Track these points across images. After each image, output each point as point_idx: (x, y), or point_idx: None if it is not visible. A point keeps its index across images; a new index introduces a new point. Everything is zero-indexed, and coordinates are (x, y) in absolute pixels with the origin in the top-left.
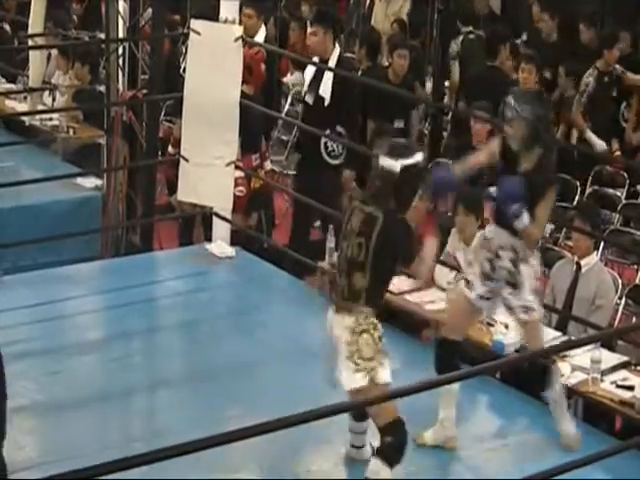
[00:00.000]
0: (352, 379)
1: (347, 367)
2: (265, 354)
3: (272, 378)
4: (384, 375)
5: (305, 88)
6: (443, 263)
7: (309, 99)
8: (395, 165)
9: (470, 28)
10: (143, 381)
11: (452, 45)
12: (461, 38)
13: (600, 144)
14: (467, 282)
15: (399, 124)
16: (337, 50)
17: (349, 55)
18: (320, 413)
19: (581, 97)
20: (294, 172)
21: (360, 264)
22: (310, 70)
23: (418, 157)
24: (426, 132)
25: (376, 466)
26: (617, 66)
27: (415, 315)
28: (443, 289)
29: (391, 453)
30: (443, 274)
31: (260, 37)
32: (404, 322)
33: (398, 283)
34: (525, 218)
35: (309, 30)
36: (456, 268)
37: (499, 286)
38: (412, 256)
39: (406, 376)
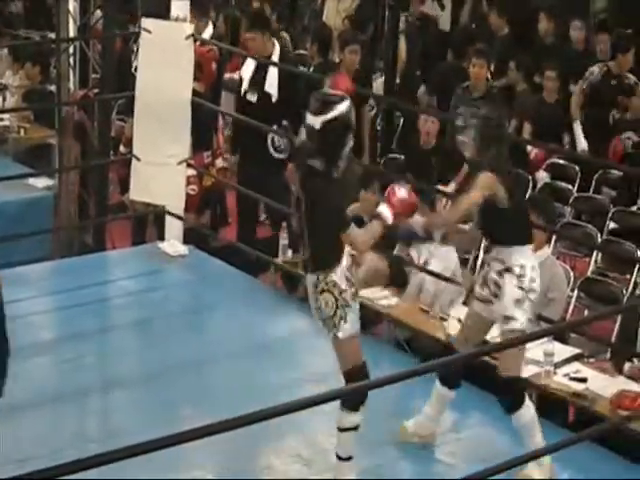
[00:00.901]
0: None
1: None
2: (219, 352)
3: (226, 376)
4: (347, 329)
5: (245, 86)
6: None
7: (251, 97)
8: (316, 121)
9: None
10: (97, 381)
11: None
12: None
13: (582, 143)
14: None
15: None
16: (277, 47)
17: (301, 51)
18: (276, 410)
19: (583, 86)
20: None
21: (306, 225)
22: (248, 68)
23: (340, 109)
24: (379, 128)
25: (341, 415)
26: (631, 76)
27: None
28: None
29: (352, 399)
30: None
31: (206, 35)
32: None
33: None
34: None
35: (247, 35)
36: (410, 263)
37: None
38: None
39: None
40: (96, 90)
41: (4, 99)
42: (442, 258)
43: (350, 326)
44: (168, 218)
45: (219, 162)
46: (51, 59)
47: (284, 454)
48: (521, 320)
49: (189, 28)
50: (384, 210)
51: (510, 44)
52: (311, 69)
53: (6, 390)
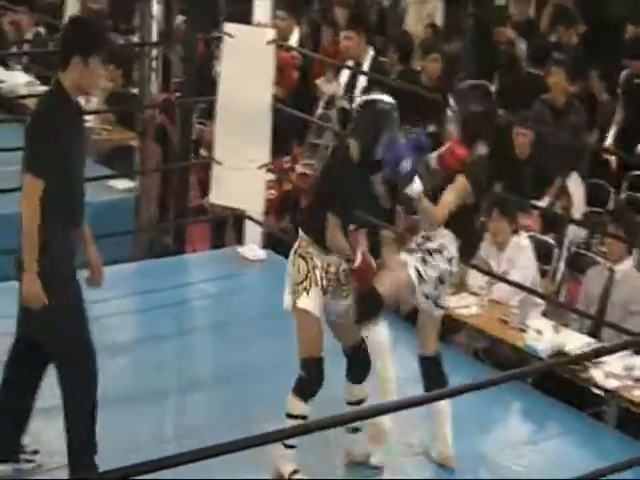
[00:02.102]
0: (285, 299)
1: (286, 286)
2: (295, 357)
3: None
4: (306, 302)
5: (340, 92)
6: (476, 267)
7: (344, 103)
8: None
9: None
10: (174, 383)
11: None
12: None
13: None
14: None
15: (432, 128)
16: (370, 54)
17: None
18: (351, 416)
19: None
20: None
21: (310, 192)
22: (345, 75)
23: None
24: None
25: (289, 400)
26: None
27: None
28: (475, 293)
29: (301, 387)
30: (475, 278)
31: (293, 40)
32: None
33: None
34: (417, 185)
35: (343, 34)
36: (488, 273)
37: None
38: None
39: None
40: (178, 94)
41: (87, 101)
42: (522, 268)
43: (310, 302)
44: (247, 222)
45: (299, 167)
46: (134, 62)
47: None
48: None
49: (271, 33)
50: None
51: (586, 53)
52: (392, 77)
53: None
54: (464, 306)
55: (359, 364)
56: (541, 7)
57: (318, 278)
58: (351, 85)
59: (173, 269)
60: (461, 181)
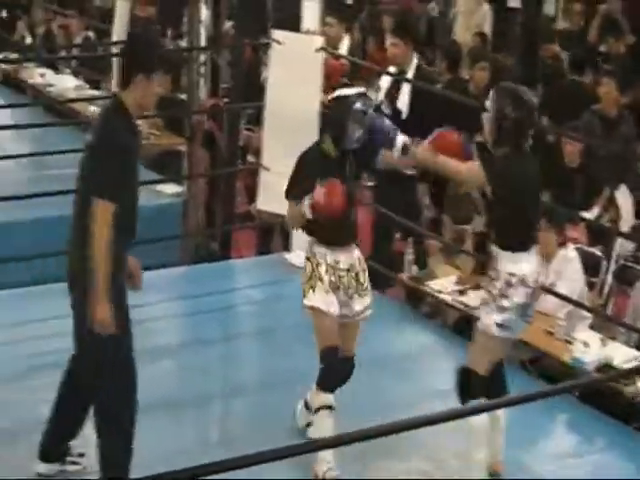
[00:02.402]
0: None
1: None
2: None
3: (347, 389)
4: (313, 298)
5: (381, 97)
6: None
7: (385, 109)
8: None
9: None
10: (219, 388)
11: None
12: None
13: None
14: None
15: (480, 137)
16: (415, 61)
17: (428, 67)
18: (397, 426)
19: None
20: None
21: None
22: (385, 80)
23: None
24: None
25: (314, 395)
26: None
27: None
28: None
29: (324, 379)
30: None
31: (344, 47)
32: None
33: (476, 297)
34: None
35: (389, 41)
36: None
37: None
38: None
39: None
40: (225, 99)
41: None
42: (569, 280)
43: (318, 298)
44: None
45: None
46: (183, 68)
47: (403, 468)
48: (484, 322)
49: (319, 41)
50: None
51: (635, 64)
52: (439, 85)
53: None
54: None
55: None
56: (590, 18)
57: (323, 274)
58: (393, 92)
59: (219, 274)
60: (472, 166)
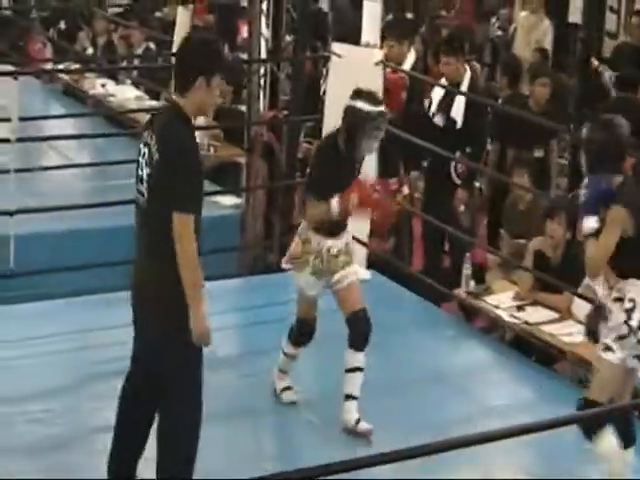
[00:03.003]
0: None
1: None
2: (396, 378)
3: (402, 403)
4: (296, 277)
5: (434, 108)
6: (581, 296)
7: (439, 120)
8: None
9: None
10: (274, 399)
11: None
12: None
13: None
14: (607, 347)
15: (539, 153)
16: (468, 74)
17: (490, 82)
18: (452, 443)
19: None
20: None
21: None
22: (439, 90)
23: (368, 107)
24: (566, 162)
25: (348, 355)
26: None
27: (551, 346)
28: (581, 322)
29: (355, 341)
30: (581, 306)
31: (408, 63)
32: (539, 353)
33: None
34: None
35: (442, 60)
36: (594, 300)
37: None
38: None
39: (540, 409)
40: (285, 112)
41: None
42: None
43: (301, 279)
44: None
45: (405, 189)
46: (244, 79)
47: None
48: (618, 355)
49: (379, 54)
50: None
51: None
52: (500, 101)
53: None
54: (568, 334)
55: (358, 330)
56: None
57: (310, 260)
58: (446, 103)
59: (277, 286)
60: (615, 212)
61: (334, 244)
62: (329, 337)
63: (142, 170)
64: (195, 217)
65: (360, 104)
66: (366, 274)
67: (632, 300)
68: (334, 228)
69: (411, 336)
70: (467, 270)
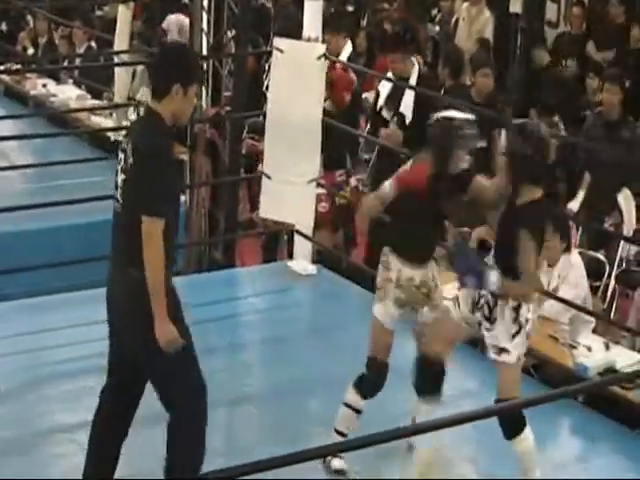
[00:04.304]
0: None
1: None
2: (346, 371)
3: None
4: (376, 309)
5: (381, 102)
6: None
7: (387, 114)
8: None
9: None
10: (224, 397)
11: None
12: None
13: None
14: (456, 300)
15: (481, 143)
16: (416, 68)
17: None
18: (406, 431)
19: None
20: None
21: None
22: (386, 84)
23: (458, 115)
24: None
25: (349, 391)
26: None
27: None
28: None
29: (361, 384)
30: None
31: (344, 56)
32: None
33: None
34: (492, 278)
35: (389, 57)
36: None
37: (480, 318)
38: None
39: (485, 397)
40: (228, 108)
41: (138, 115)
42: (573, 285)
43: (380, 310)
44: (297, 237)
45: (353, 181)
46: None
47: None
48: (514, 356)
49: (321, 48)
50: None
51: None
52: (442, 92)
53: (112, 400)
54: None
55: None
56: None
57: (390, 290)
58: (396, 97)
59: (222, 283)
60: (525, 239)
61: (414, 273)
62: (275, 336)
63: (118, 176)
64: (168, 222)
65: (448, 121)
66: (312, 268)
67: (517, 300)
68: (412, 254)
69: (359, 329)
70: None
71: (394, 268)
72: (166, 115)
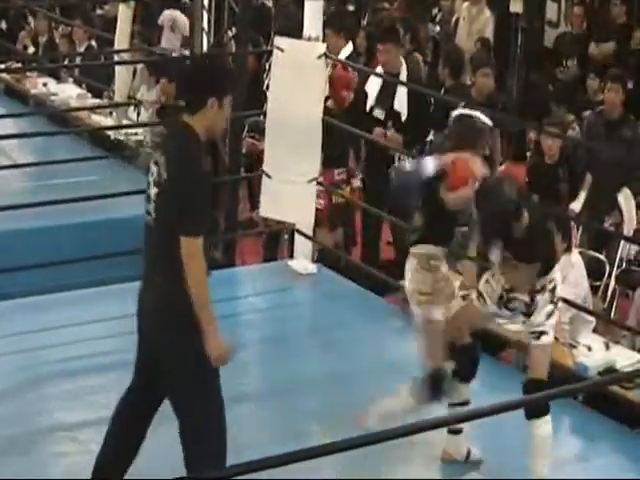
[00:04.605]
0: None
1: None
2: (346, 370)
3: (354, 394)
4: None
5: (371, 102)
6: None
7: (379, 114)
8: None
9: None
10: (224, 396)
11: None
12: None
13: None
14: (480, 295)
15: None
16: (404, 65)
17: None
18: (404, 430)
19: None
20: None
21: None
22: (374, 83)
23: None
24: None
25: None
26: None
27: (495, 335)
28: None
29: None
30: None
31: (343, 55)
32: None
33: None
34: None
35: (380, 47)
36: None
37: (514, 315)
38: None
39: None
40: None
41: (139, 114)
42: (573, 284)
43: (438, 311)
44: (297, 236)
45: (355, 182)
46: None
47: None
48: (551, 335)
49: (322, 47)
50: None
51: None
52: (442, 91)
53: (135, 402)
54: (514, 322)
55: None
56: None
57: (442, 292)
58: (387, 95)
59: (222, 282)
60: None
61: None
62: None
63: (150, 189)
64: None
65: (473, 119)
66: (312, 267)
67: (552, 280)
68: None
69: (358, 328)
70: None
71: (443, 269)
72: (200, 129)
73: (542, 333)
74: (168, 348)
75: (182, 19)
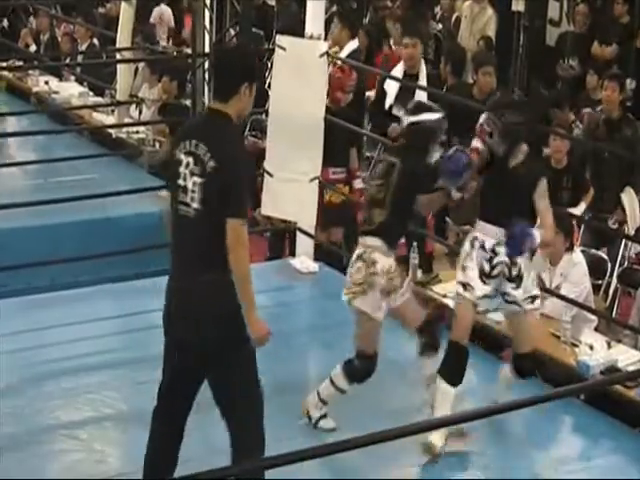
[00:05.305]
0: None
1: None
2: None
3: (353, 393)
4: (361, 303)
5: (390, 100)
6: None
7: (400, 113)
8: (405, 120)
9: None
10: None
11: None
12: None
13: None
14: (464, 286)
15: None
16: (424, 64)
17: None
18: (405, 430)
19: None
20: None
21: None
22: (392, 85)
23: (430, 116)
24: None
25: (338, 373)
26: None
27: (498, 333)
28: None
29: (351, 372)
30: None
31: (348, 49)
32: (485, 340)
33: None
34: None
35: (405, 41)
36: (541, 287)
37: (500, 282)
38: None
39: (485, 394)
40: None
41: (140, 112)
42: (575, 283)
43: (367, 303)
44: (299, 235)
45: (357, 183)
46: (188, 74)
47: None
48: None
49: (323, 46)
50: None
51: None
52: (444, 90)
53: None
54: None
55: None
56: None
57: (377, 282)
58: (406, 95)
59: None
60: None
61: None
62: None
63: (186, 180)
64: None
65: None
66: (313, 266)
67: None
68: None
69: None
70: (414, 260)
71: (379, 260)
72: (233, 115)
73: (535, 297)
74: (220, 339)
75: (168, 12)
